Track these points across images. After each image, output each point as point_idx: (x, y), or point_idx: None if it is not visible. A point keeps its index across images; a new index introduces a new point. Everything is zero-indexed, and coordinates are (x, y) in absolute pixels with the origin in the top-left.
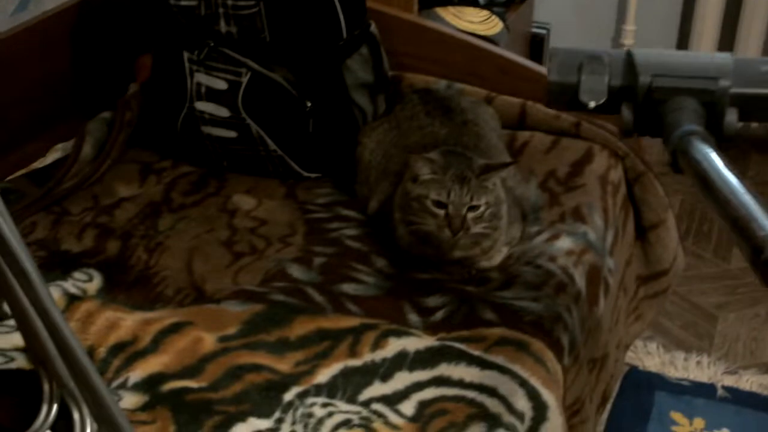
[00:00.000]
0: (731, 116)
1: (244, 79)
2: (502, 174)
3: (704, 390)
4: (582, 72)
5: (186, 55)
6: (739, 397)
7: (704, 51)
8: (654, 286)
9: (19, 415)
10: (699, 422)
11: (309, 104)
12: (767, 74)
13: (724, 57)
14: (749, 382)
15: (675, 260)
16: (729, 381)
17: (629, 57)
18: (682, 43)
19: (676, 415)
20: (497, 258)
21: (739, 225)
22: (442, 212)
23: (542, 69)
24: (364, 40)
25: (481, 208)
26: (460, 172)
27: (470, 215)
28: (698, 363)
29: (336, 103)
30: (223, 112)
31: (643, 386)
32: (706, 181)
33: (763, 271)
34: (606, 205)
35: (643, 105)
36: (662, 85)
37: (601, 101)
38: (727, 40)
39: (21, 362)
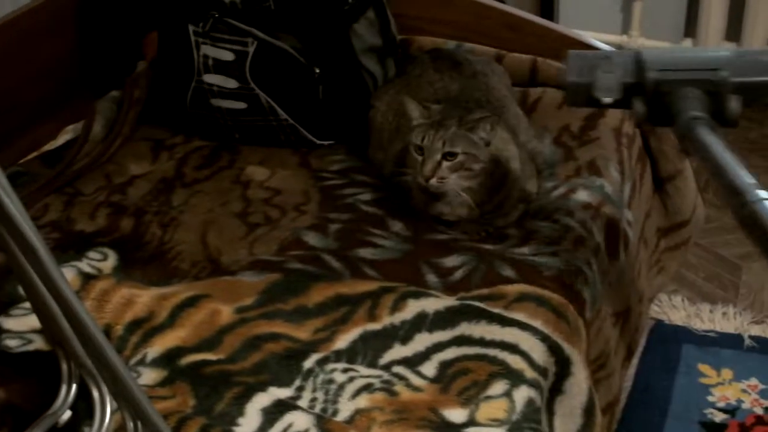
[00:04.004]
0: (733, 103)
1: (251, 49)
2: (486, 126)
3: (731, 341)
4: (596, 72)
5: (191, 28)
6: (766, 346)
7: (711, 36)
8: (675, 238)
9: (39, 397)
10: (727, 373)
11: (317, 71)
12: (765, 63)
13: (725, 50)
14: None
15: (695, 211)
16: (755, 330)
17: (638, 56)
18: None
19: (703, 367)
20: (514, 215)
21: (729, 190)
22: (420, 158)
23: (551, 24)
24: (370, 3)
25: (459, 158)
26: (443, 118)
27: (446, 164)
28: (724, 314)
29: (345, 68)
30: (232, 84)
31: (669, 340)
32: (707, 159)
33: (746, 220)
34: (621, 157)
35: (653, 98)
36: (668, 78)
37: (615, 97)
38: (733, 29)
39: (39, 344)
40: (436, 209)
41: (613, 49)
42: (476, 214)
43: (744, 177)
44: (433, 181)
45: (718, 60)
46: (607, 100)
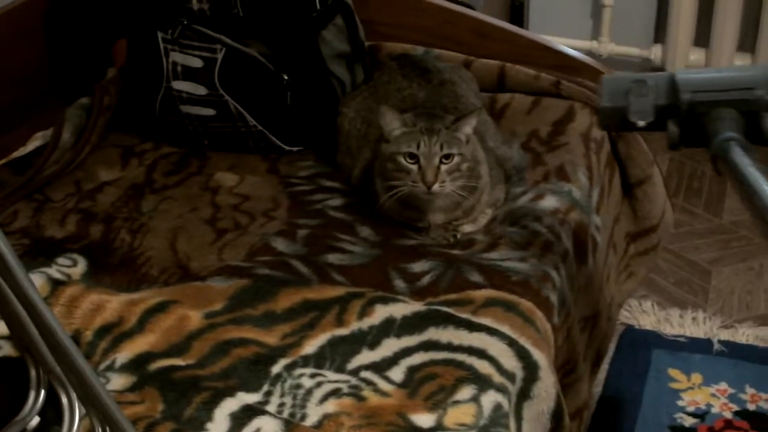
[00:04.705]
0: None
1: (219, 56)
2: (471, 122)
3: (701, 345)
4: (629, 95)
5: (160, 35)
6: (735, 351)
7: (681, 43)
8: (644, 243)
9: (8, 403)
10: (697, 377)
11: (286, 77)
12: None
13: (760, 68)
14: (745, 335)
15: (663, 216)
16: (725, 335)
17: (671, 78)
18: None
19: (673, 372)
20: (482, 220)
21: (762, 213)
22: (415, 166)
23: (520, 31)
24: (338, 10)
25: (455, 159)
26: (430, 124)
27: (444, 167)
28: (694, 319)
29: (313, 74)
30: (201, 90)
31: (639, 345)
32: (740, 181)
33: None
34: (590, 162)
35: (687, 120)
36: (702, 100)
37: (649, 120)
38: (702, 35)
39: (7, 350)
40: (409, 215)
41: (649, 73)
42: (448, 219)
43: None
44: (436, 186)
45: (754, 79)
46: (642, 123)
